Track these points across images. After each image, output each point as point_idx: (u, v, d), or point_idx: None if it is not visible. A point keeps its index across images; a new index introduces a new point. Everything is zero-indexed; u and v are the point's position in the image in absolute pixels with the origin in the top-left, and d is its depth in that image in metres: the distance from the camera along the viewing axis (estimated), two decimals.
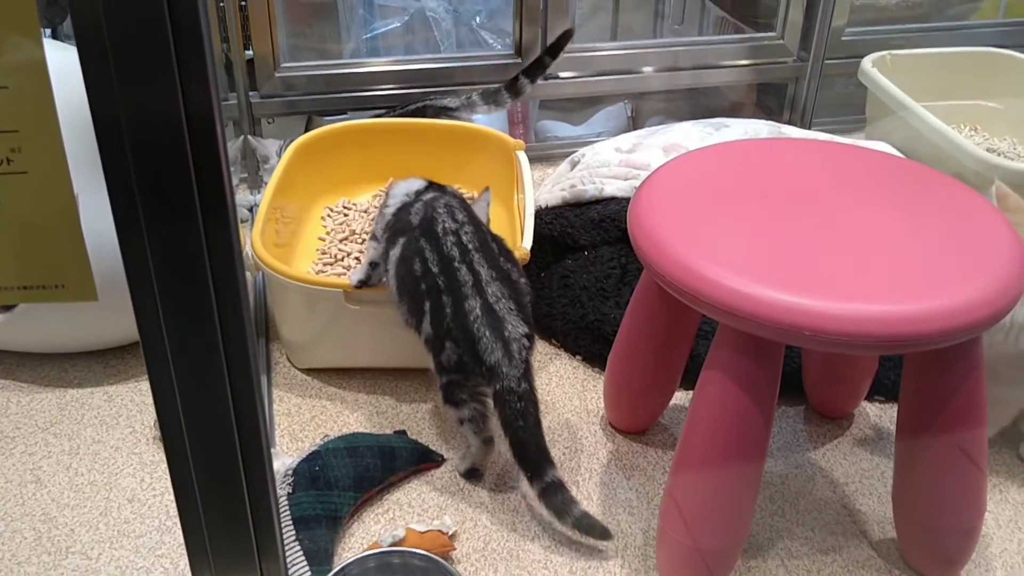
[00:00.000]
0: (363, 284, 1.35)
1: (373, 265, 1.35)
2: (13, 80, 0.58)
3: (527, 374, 1.18)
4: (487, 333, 1.17)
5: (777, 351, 1.02)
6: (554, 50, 1.91)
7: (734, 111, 2.38)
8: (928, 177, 1.16)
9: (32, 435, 1.36)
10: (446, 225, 1.27)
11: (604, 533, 1.18)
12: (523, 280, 1.26)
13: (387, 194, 1.40)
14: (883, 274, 0.98)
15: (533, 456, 1.18)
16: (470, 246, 1.24)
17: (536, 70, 1.91)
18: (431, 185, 1.38)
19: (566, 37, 1.91)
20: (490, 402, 1.22)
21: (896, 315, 0.92)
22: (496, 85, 1.90)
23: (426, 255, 1.24)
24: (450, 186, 1.42)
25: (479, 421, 1.24)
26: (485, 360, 1.17)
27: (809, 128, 2.21)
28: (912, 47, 2.08)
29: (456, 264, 1.22)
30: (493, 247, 1.27)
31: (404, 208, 1.34)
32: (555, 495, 1.17)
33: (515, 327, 1.19)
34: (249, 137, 1.89)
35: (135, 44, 0.55)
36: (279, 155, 1.73)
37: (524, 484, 1.28)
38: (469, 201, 1.38)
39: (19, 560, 1.17)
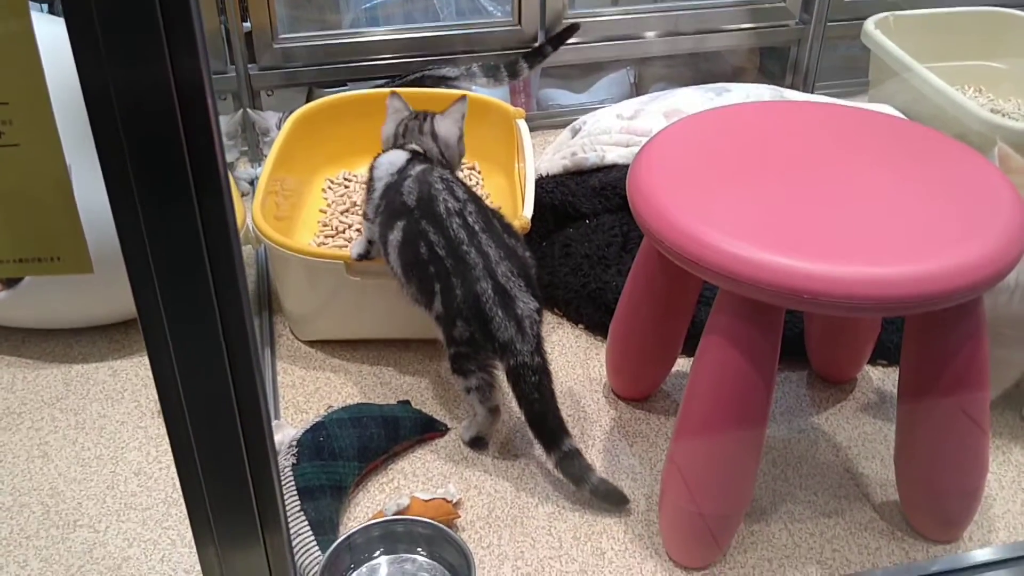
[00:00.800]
0: (363, 257, 1.35)
1: (371, 241, 1.34)
2: (1, 52, 0.58)
3: (539, 347, 1.19)
4: (499, 312, 1.18)
5: (777, 315, 1.02)
6: (556, 41, 1.95)
7: (737, 76, 2.36)
8: (930, 139, 1.15)
9: (38, 410, 1.37)
10: (449, 205, 1.24)
11: (621, 499, 1.20)
12: (528, 254, 1.25)
13: (371, 170, 1.36)
14: (883, 236, 0.98)
15: (551, 427, 1.19)
16: (476, 227, 1.22)
17: (536, 57, 1.94)
18: (415, 156, 1.34)
19: (571, 31, 1.96)
20: (497, 372, 1.23)
21: (896, 276, 0.92)
22: (495, 62, 1.91)
23: (431, 238, 1.22)
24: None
25: (486, 390, 1.25)
26: (497, 338, 1.18)
27: (812, 92, 2.19)
28: (915, 7, 2.06)
29: (465, 247, 1.20)
30: (496, 224, 1.26)
31: (392, 187, 1.29)
32: (572, 463, 1.19)
33: (526, 304, 1.19)
34: (248, 110, 1.89)
35: (123, 16, 0.54)
36: (279, 127, 1.73)
37: (528, 452, 1.29)
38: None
39: (27, 534, 1.18)
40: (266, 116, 1.82)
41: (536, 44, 2.00)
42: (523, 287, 1.20)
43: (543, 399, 1.18)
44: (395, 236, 1.26)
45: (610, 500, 1.20)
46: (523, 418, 1.21)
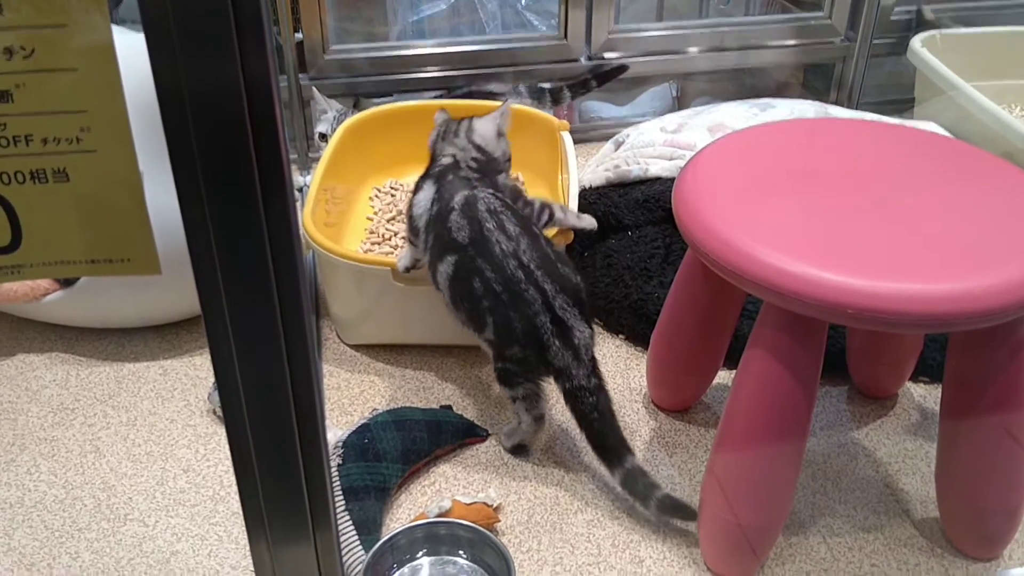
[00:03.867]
0: (409, 270, 1.37)
1: (417, 259, 1.36)
2: (83, 62, 0.61)
3: (595, 370, 1.21)
4: (557, 342, 1.20)
5: (820, 330, 1.03)
6: (602, 78, 2.02)
7: (780, 91, 2.36)
8: (976, 157, 1.15)
9: (91, 407, 1.40)
10: (504, 247, 1.22)
11: (690, 512, 1.18)
12: (578, 279, 1.25)
13: (410, 208, 1.35)
14: (928, 253, 0.98)
15: (612, 446, 1.20)
16: (532, 265, 1.21)
17: (580, 88, 2.00)
18: (444, 174, 1.32)
19: (619, 70, 2.03)
20: (544, 383, 1.25)
21: (940, 294, 0.92)
22: (542, 86, 1.96)
23: (487, 275, 1.22)
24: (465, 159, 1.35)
25: (532, 399, 1.26)
26: (554, 364, 1.20)
27: (856, 109, 2.19)
28: (962, 26, 2.06)
29: (523, 285, 1.21)
30: (549, 254, 1.24)
31: (438, 221, 1.28)
32: (636, 481, 1.19)
33: (582, 332, 1.21)
34: (314, 87, 1.90)
35: (198, 20, 0.57)
36: (335, 120, 1.77)
37: (568, 459, 1.31)
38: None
39: (79, 527, 1.21)
40: (331, 102, 1.86)
41: (583, 76, 2.03)
42: (578, 315, 1.21)
43: (602, 418, 1.20)
44: (445, 268, 1.26)
45: (679, 514, 1.19)
46: (584, 439, 1.23)
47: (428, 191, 1.32)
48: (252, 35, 0.58)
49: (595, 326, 1.55)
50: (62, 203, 0.66)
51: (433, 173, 1.35)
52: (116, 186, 0.66)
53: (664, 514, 1.20)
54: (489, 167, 1.35)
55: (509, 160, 1.40)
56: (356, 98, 2.09)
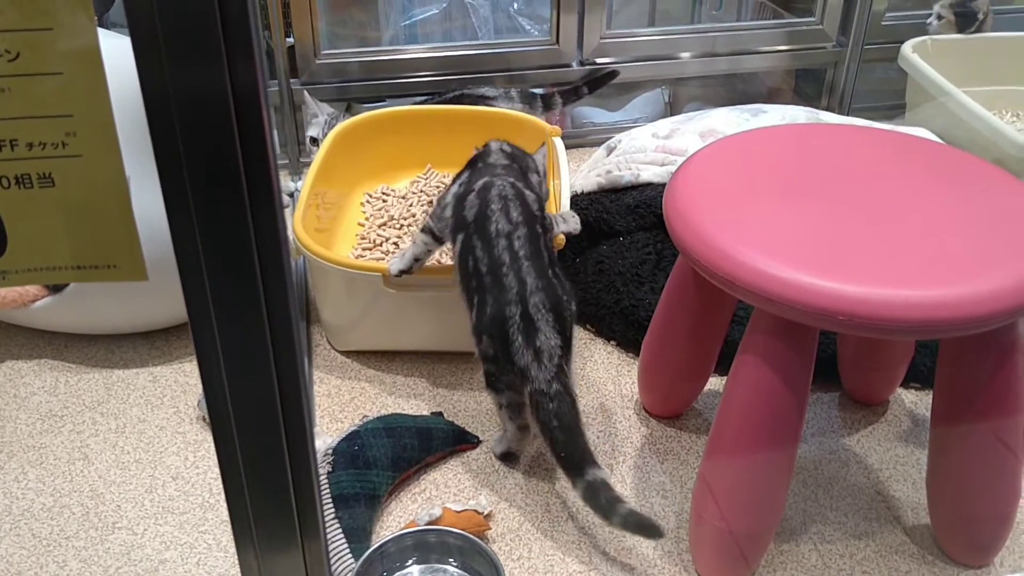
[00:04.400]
0: (403, 273, 1.37)
1: (416, 260, 1.36)
2: (69, 66, 0.60)
3: (559, 376, 1.17)
4: (520, 339, 1.18)
5: (811, 336, 1.03)
6: (594, 85, 2.04)
7: (772, 97, 2.37)
8: (967, 163, 1.15)
9: (80, 414, 1.39)
10: (499, 226, 1.25)
11: (655, 530, 1.11)
12: (566, 297, 1.23)
13: (444, 193, 1.38)
14: (918, 259, 0.98)
15: (572, 456, 1.15)
16: (521, 252, 1.22)
17: (572, 95, 2.02)
18: (478, 160, 1.37)
19: (610, 76, 2.05)
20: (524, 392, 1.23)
21: (930, 300, 0.92)
22: (534, 91, 1.97)
23: (477, 254, 1.24)
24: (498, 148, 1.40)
25: (515, 408, 1.25)
26: (516, 362, 1.19)
27: (848, 114, 2.19)
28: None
29: (504, 270, 1.21)
30: (544, 255, 1.25)
31: (459, 201, 1.32)
32: (598, 495, 1.12)
33: (548, 338, 1.18)
34: (305, 92, 1.90)
35: (185, 25, 0.57)
36: (328, 122, 1.76)
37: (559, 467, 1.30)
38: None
39: (67, 535, 1.20)
40: (322, 106, 1.85)
41: (574, 84, 2.04)
42: (550, 321, 1.19)
43: (562, 427, 1.15)
44: (456, 247, 1.30)
45: (643, 532, 1.12)
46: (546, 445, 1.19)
47: (461, 177, 1.37)
48: (239, 40, 0.58)
49: (587, 332, 1.56)
50: (48, 208, 0.65)
51: (470, 165, 1.39)
52: (102, 191, 0.65)
53: (628, 531, 1.13)
54: (521, 160, 1.39)
55: (540, 172, 1.43)
56: (348, 103, 2.08)
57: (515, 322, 1.19)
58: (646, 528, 1.11)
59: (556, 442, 1.15)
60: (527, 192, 1.31)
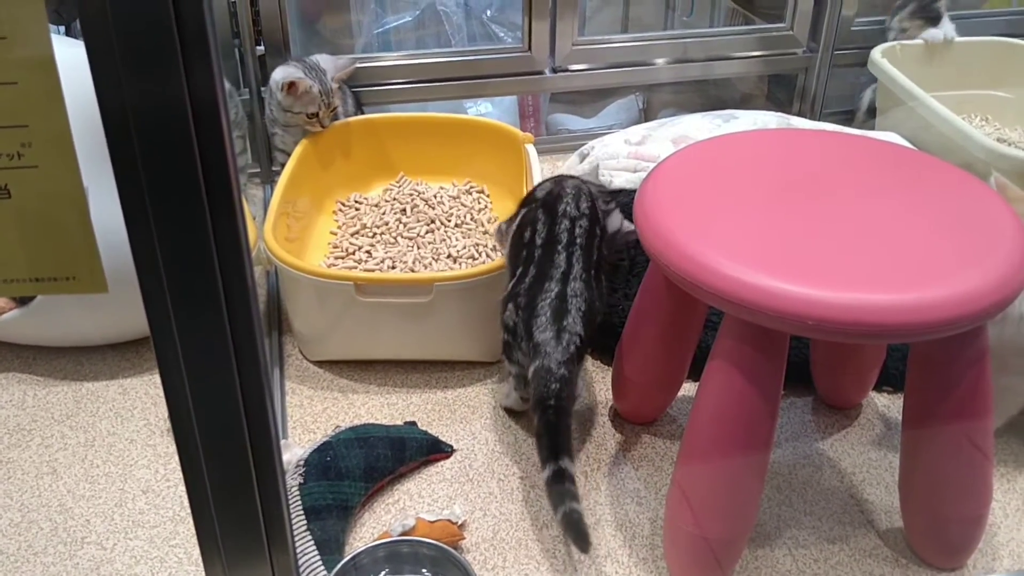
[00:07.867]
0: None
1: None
2: (23, 75, 0.59)
3: (570, 363, 1.18)
4: (547, 314, 1.21)
5: (782, 341, 1.03)
6: None
7: (744, 103, 2.38)
8: (936, 168, 1.16)
9: (48, 427, 1.38)
10: (567, 208, 1.30)
11: (585, 542, 1.10)
12: (599, 303, 1.26)
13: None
14: (887, 263, 0.98)
15: (553, 439, 1.15)
16: (579, 241, 1.27)
17: None
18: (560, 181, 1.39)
19: None
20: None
21: (899, 304, 0.93)
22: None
23: (538, 227, 1.29)
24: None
25: (522, 380, 1.29)
26: (534, 336, 1.20)
27: (819, 119, 2.21)
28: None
29: (559, 248, 1.26)
30: (595, 255, 1.29)
31: (531, 192, 1.39)
32: (561, 482, 1.13)
33: (573, 323, 1.20)
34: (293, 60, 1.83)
35: (141, 36, 0.56)
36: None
37: (534, 475, 1.30)
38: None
39: (35, 550, 1.18)
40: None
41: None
42: (581, 310, 1.21)
43: (556, 409, 1.15)
44: (516, 221, 1.35)
45: (573, 535, 1.11)
46: (533, 426, 1.18)
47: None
48: (197, 50, 0.57)
49: None
50: (4, 220, 0.64)
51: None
52: (59, 202, 0.64)
53: (562, 528, 1.12)
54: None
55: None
56: None
57: (549, 297, 1.22)
58: (578, 535, 1.10)
59: (547, 423, 1.15)
60: (597, 200, 1.36)
